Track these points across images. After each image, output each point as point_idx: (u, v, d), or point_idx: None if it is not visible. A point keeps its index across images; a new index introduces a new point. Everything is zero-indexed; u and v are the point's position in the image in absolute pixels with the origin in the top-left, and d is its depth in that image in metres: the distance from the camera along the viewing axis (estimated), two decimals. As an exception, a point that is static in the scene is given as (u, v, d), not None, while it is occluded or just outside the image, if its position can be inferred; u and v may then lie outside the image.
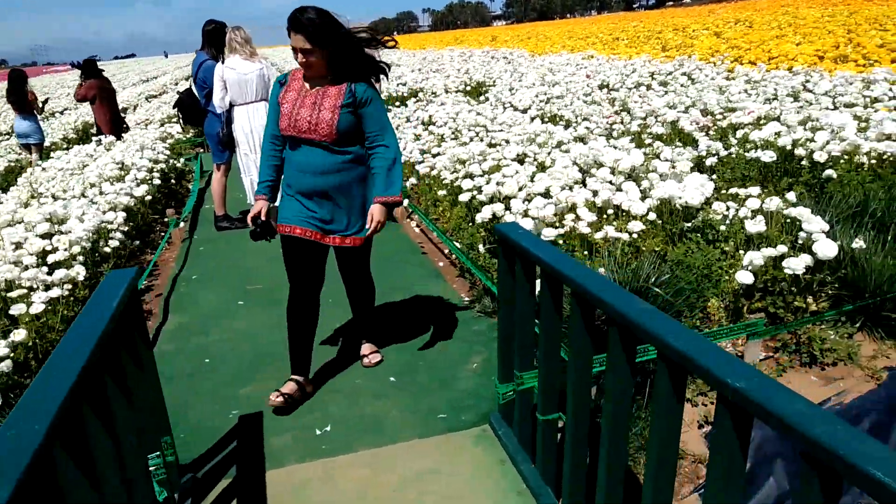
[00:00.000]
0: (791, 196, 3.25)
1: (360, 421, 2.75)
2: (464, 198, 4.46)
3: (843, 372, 2.80)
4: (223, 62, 5.26)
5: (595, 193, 3.66)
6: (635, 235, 3.30)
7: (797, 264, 2.77)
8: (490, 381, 2.87)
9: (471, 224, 4.27)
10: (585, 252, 3.38)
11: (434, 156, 5.74)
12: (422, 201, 5.58)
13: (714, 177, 4.59)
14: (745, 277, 2.78)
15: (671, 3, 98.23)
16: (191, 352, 3.51)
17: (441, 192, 4.95)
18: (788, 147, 4.27)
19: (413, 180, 5.91)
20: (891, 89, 5.92)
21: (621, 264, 3.09)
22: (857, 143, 3.94)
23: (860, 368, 2.79)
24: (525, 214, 3.75)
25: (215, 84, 5.26)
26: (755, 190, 3.30)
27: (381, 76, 2.78)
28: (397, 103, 9.79)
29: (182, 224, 5.98)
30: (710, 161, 4.61)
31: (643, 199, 3.54)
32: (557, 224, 3.47)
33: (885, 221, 3.40)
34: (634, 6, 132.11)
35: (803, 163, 4.19)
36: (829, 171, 3.93)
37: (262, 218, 2.73)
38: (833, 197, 3.77)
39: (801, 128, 4.43)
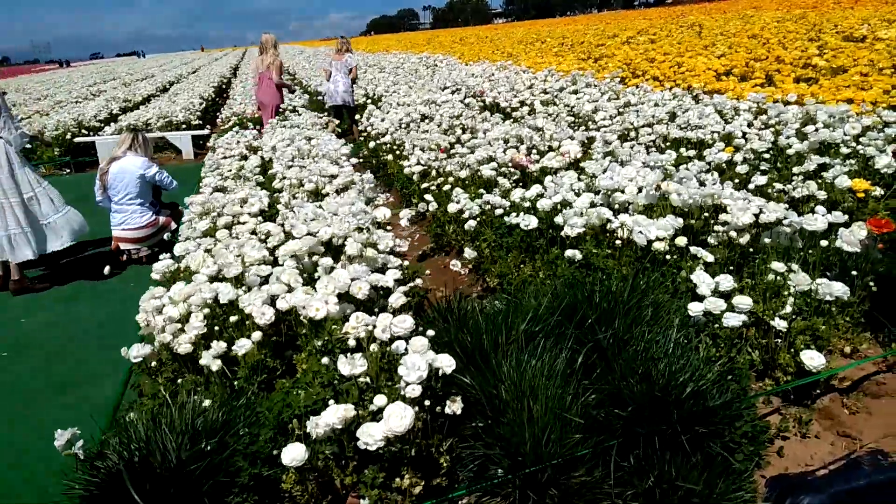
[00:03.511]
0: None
1: None
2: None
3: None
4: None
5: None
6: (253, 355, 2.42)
7: (372, 436, 1.90)
8: None
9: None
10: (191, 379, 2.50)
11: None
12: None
13: (474, 247, 3.73)
14: (291, 455, 1.91)
15: (670, 0, 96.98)
16: None
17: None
18: (548, 211, 3.39)
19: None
20: (751, 123, 5.02)
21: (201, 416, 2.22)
22: (604, 215, 3.04)
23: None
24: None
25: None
26: (400, 300, 2.41)
27: None
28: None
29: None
30: (470, 224, 3.73)
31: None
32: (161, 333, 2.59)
33: (588, 339, 2.52)
34: (635, 4, 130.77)
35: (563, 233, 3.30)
36: (570, 252, 3.05)
37: None
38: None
39: (565, 188, 3.53)
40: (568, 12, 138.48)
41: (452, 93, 9.55)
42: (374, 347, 2.16)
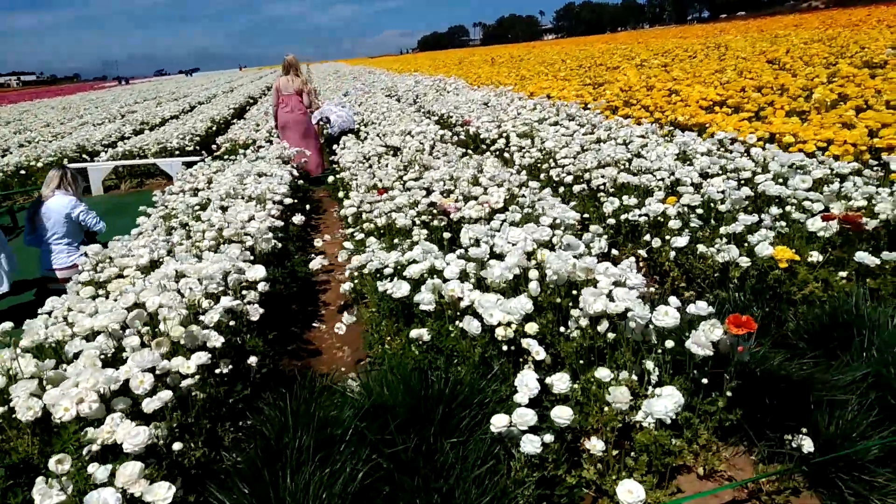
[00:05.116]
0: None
1: None
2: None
3: None
4: None
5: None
6: None
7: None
8: None
9: None
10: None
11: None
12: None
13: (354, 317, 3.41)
14: None
15: (724, 15, 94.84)
16: None
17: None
18: (416, 279, 3.04)
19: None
20: (704, 172, 4.54)
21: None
22: (452, 291, 2.67)
23: None
24: None
25: None
26: (153, 404, 2.10)
27: None
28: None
29: None
30: (344, 287, 3.42)
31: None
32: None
33: (387, 450, 2.16)
34: (688, 19, 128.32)
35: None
36: (416, 332, 2.69)
37: None
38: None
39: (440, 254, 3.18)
40: (619, 28, 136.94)
41: (438, 121, 9.28)
42: (92, 468, 1.87)
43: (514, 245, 3.08)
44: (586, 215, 4.89)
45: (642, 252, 3.92)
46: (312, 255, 5.11)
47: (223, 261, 3.33)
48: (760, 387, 2.37)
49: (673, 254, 3.69)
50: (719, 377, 2.28)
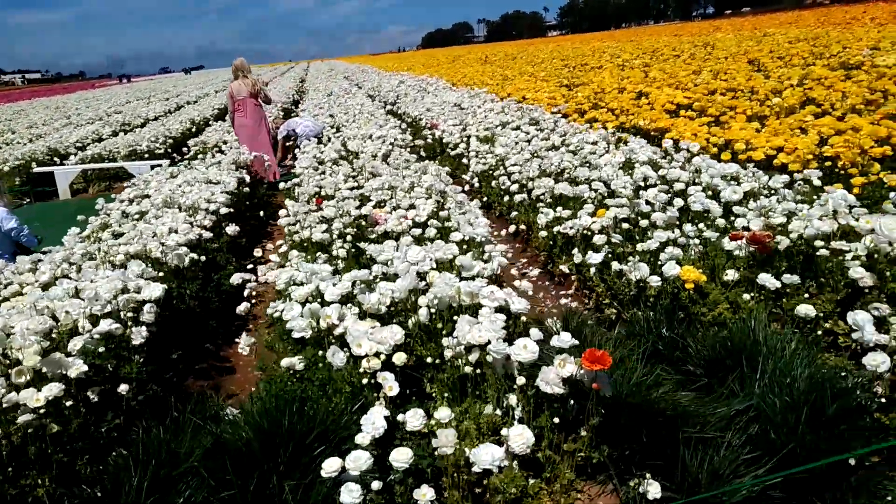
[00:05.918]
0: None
1: None
2: None
3: None
4: None
5: None
6: None
7: None
8: None
9: None
10: None
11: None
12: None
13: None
14: None
15: (729, 11, 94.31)
16: None
17: None
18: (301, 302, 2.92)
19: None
20: (640, 185, 4.40)
21: None
22: (328, 316, 2.55)
23: None
24: None
25: None
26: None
27: None
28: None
29: None
30: (241, 307, 3.30)
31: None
32: None
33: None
34: (693, 15, 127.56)
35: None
36: (287, 361, 2.57)
37: None
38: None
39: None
40: (623, 24, 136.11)
41: (410, 124, 9.16)
42: None
43: (414, 263, 2.96)
44: (523, 227, 4.78)
45: (564, 268, 3.80)
46: (251, 265, 5.01)
47: (116, 279, 3.21)
48: (636, 420, 2.25)
49: (593, 270, 3.57)
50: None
